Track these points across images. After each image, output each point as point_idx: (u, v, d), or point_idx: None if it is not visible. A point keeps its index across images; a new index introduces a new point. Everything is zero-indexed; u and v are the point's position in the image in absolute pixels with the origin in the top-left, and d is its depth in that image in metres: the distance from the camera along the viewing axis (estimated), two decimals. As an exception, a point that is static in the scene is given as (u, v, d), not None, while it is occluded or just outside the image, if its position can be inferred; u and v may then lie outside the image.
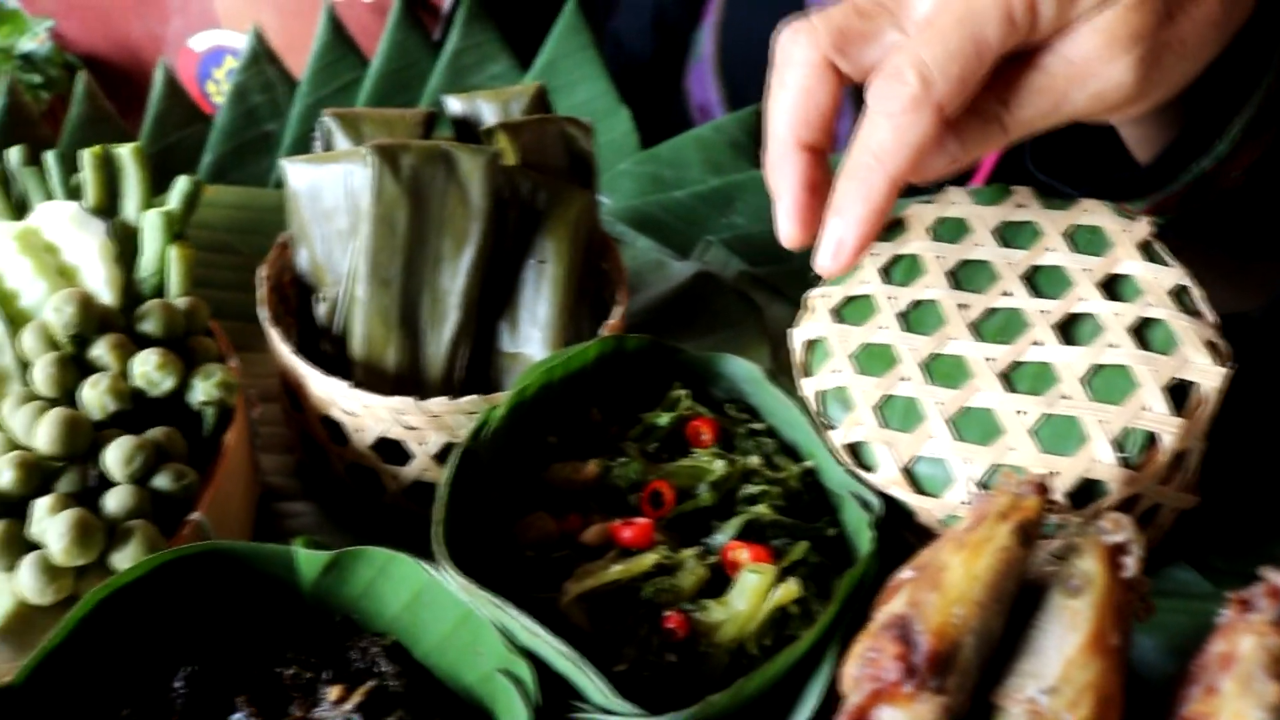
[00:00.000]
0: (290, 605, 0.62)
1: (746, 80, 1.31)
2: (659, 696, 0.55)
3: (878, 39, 0.62)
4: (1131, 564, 0.49)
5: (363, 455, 0.73)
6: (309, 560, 0.60)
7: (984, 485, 0.61)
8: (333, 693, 0.57)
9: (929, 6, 0.59)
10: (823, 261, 0.62)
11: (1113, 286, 0.67)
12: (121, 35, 1.28)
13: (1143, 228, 0.69)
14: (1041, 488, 0.51)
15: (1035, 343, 0.65)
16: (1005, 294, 0.68)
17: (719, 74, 1.32)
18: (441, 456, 0.71)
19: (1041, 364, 0.64)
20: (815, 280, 0.75)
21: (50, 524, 0.60)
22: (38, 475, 0.63)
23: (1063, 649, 0.46)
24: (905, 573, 0.52)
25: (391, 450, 0.72)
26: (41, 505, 0.62)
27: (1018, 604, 0.51)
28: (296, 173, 0.75)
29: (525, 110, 0.81)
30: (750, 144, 1.00)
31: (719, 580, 0.61)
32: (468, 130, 0.81)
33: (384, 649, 0.60)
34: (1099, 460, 0.60)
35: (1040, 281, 0.69)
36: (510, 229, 0.74)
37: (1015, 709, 0.46)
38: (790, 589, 0.58)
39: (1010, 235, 0.72)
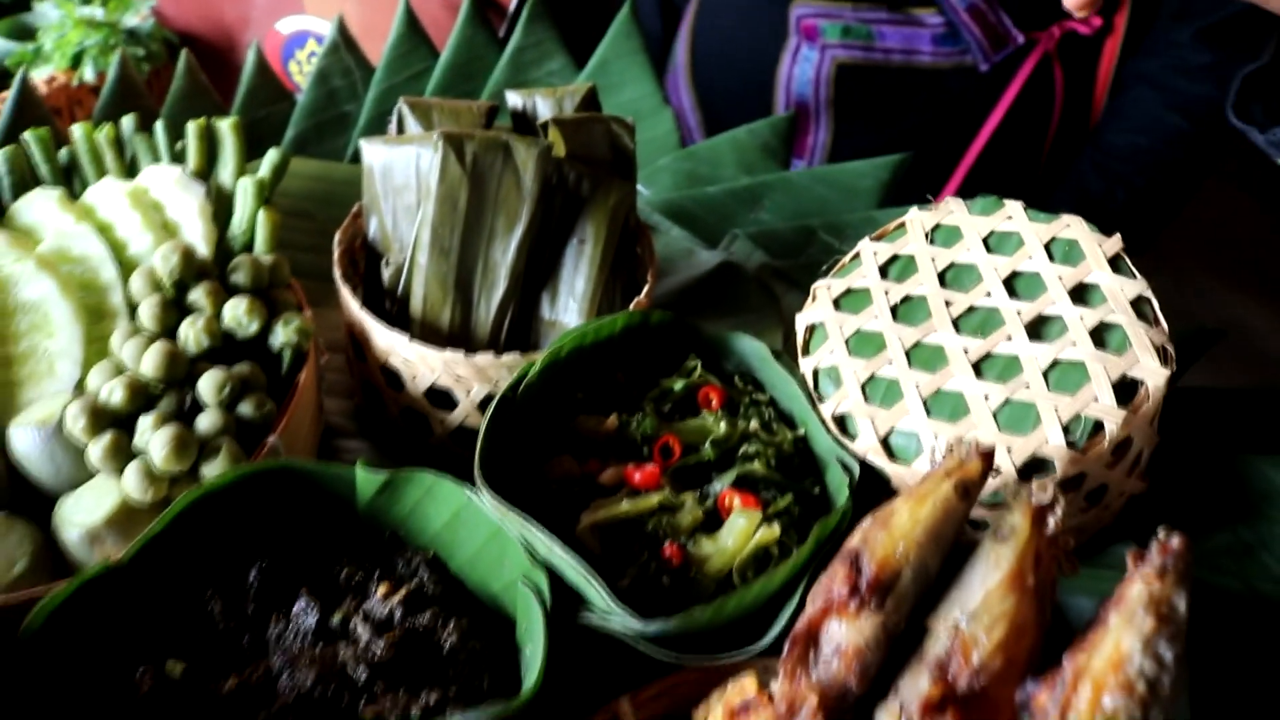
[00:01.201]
0: (347, 521, 0.73)
1: (715, 85, 1.40)
2: (653, 610, 0.65)
3: None
4: (1053, 522, 0.58)
5: (415, 400, 0.83)
6: (367, 480, 0.70)
7: (947, 456, 0.70)
8: (380, 589, 0.67)
9: None
10: None
11: (1081, 293, 0.76)
12: (215, 15, 1.40)
13: (1114, 243, 0.78)
14: (986, 455, 0.60)
15: (1007, 338, 0.75)
16: (986, 294, 0.78)
17: (690, 81, 1.41)
18: (484, 405, 0.81)
19: (1010, 357, 0.74)
20: (824, 273, 0.85)
21: (153, 437, 0.72)
22: (142, 396, 0.74)
23: (986, 583, 0.56)
24: (866, 521, 0.61)
25: (440, 398, 0.83)
26: (145, 421, 0.73)
27: (962, 555, 0.60)
28: (372, 151, 0.86)
29: (577, 108, 0.91)
30: (781, 148, 1.10)
31: (713, 521, 0.71)
32: (524, 122, 0.91)
33: (425, 560, 0.70)
34: (1049, 441, 0.69)
35: (1019, 285, 0.78)
36: (556, 212, 0.84)
37: (941, 630, 0.56)
38: (772, 531, 0.68)
39: (996, 243, 0.81)
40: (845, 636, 0.55)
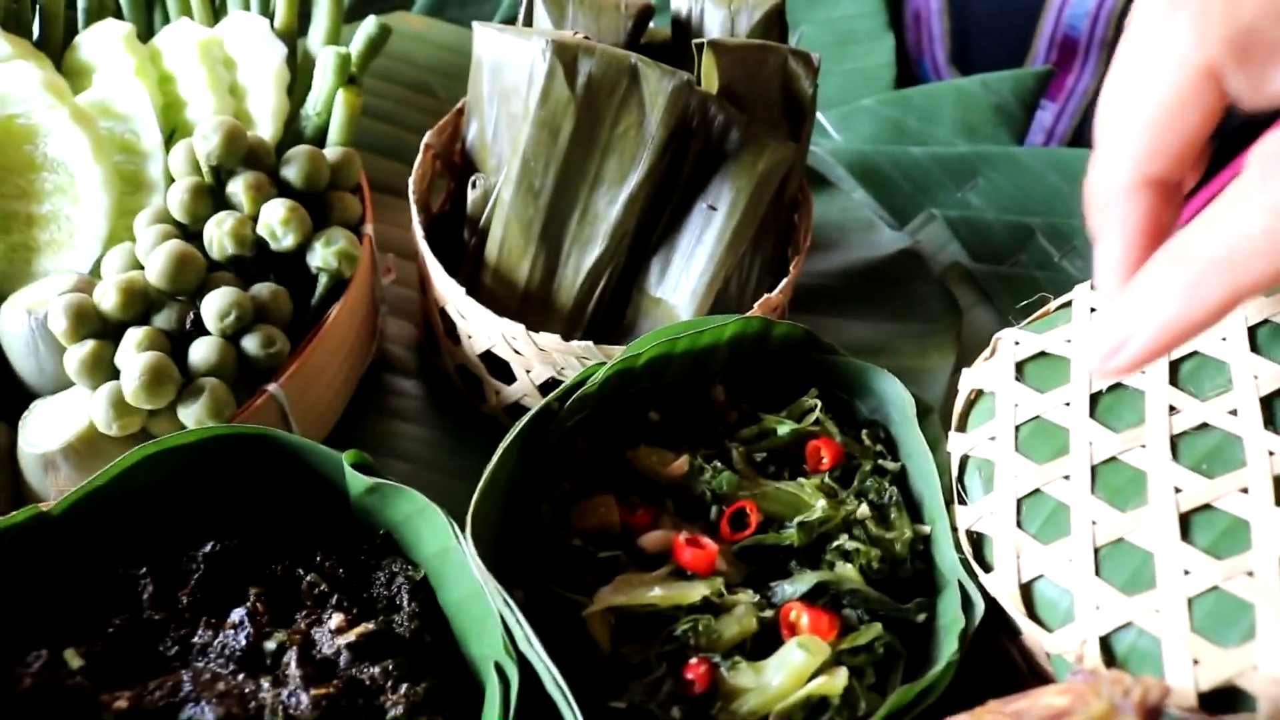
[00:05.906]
0: (339, 507, 0.59)
1: (971, 6, 1.09)
2: (646, 756, 0.49)
3: None
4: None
5: (470, 362, 0.68)
6: (355, 479, 0.56)
7: (1105, 642, 0.50)
8: (334, 620, 0.54)
9: None
10: (1094, 358, 0.45)
11: (1379, 442, 0.53)
12: None
13: None
14: (1154, 711, 0.40)
15: (1242, 490, 0.52)
16: (1230, 411, 0.55)
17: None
18: (545, 387, 0.66)
19: (1239, 520, 0.52)
20: (1034, 306, 0.63)
21: (129, 361, 0.59)
22: (142, 303, 0.62)
23: None
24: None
25: (500, 366, 0.67)
26: (132, 336, 0.60)
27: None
28: (484, 39, 0.68)
29: (754, 26, 0.70)
30: (1020, 112, 0.86)
31: (767, 638, 0.53)
32: (684, 33, 0.72)
33: (412, 584, 0.56)
34: (1258, 668, 0.48)
35: (1283, 407, 0.55)
36: (689, 162, 0.66)
37: None
38: (834, 684, 0.50)
39: (1268, 342, 0.57)
40: None
